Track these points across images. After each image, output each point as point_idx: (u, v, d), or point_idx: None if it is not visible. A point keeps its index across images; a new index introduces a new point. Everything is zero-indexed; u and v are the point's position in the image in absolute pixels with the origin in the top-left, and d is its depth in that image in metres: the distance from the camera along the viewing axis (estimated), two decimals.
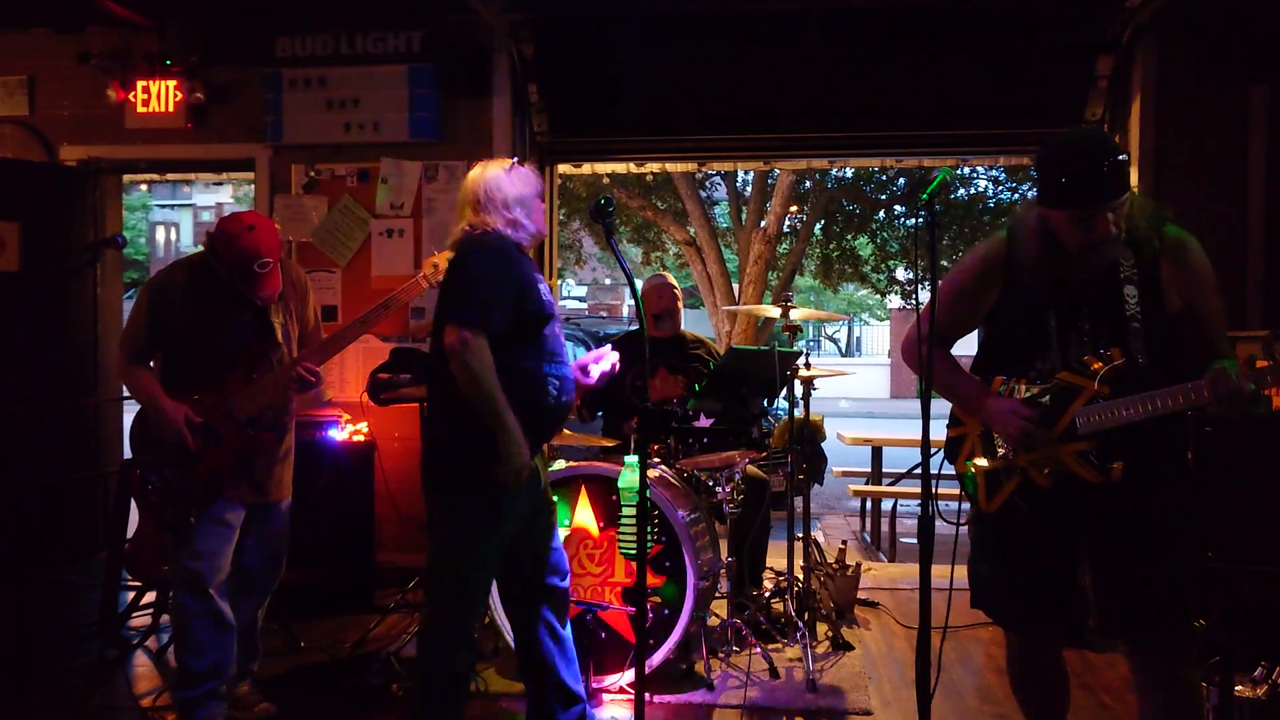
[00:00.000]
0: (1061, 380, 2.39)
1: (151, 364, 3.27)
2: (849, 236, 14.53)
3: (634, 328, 6.61)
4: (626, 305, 27.36)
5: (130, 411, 3.34)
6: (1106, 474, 2.33)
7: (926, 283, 2.53)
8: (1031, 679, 2.66)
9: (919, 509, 2.40)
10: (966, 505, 2.65)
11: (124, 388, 3.30)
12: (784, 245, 14.10)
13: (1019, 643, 2.65)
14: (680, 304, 4.79)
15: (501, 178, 2.87)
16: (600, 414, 4.74)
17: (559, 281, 6.11)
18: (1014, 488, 2.48)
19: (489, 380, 2.64)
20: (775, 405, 5.00)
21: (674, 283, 4.84)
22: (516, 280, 2.75)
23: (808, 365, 4.32)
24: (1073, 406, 2.37)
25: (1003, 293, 2.48)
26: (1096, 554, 2.48)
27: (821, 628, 4.31)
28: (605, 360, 3.02)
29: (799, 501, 4.42)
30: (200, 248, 3.34)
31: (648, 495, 2.56)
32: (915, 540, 2.40)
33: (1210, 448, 3.34)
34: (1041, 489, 2.43)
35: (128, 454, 3.50)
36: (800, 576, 4.35)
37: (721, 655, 3.93)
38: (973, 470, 2.54)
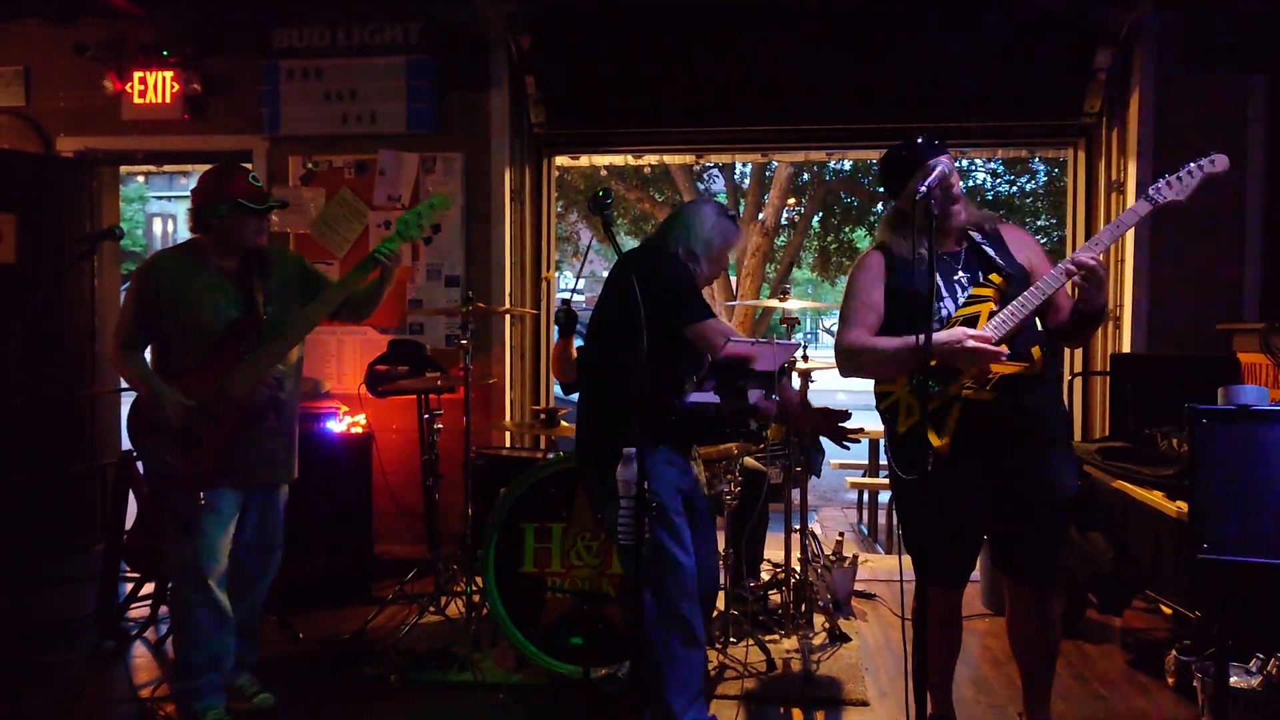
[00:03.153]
0: (959, 316, 2.79)
1: (147, 352, 3.27)
2: (847, 229, 14.52)
3: None
4: None
5: (128, 404, 3.34)
6: (1029, 360, 2.73)
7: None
8: (949, 628, 2.99)
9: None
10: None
11: (120, 379, 3.30)
12: (782, 238, 14.10)
13: (946, 598, 2.96)
14: None
15: (710, 220, 3.19)
16: None
17: (555, 274, 6.07)
18: (956, 416, 2.75)
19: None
20: (773, 397, 4.99)
21: None
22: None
23: (805, 358, 4.32)
24: (978, 327, 2.74)
25: (889, 280, 2.92)
26: (998, 504, 2.86)
27: (818, 619, 4.32)
28: None
29: (796, 493, 4.42)
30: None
31: (645, 488, 2.56)
32: None
33: (1205, 438, 3.34)
34: (982, 406, 2.73)
35: (125, 445, 3.50)
36: (797, 568, 4.36)
37: (718, 647, 3.94)
38: (897, 397, 2.88)
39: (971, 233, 2.91)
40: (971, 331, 2.71)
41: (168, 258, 3.32)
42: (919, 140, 2.89)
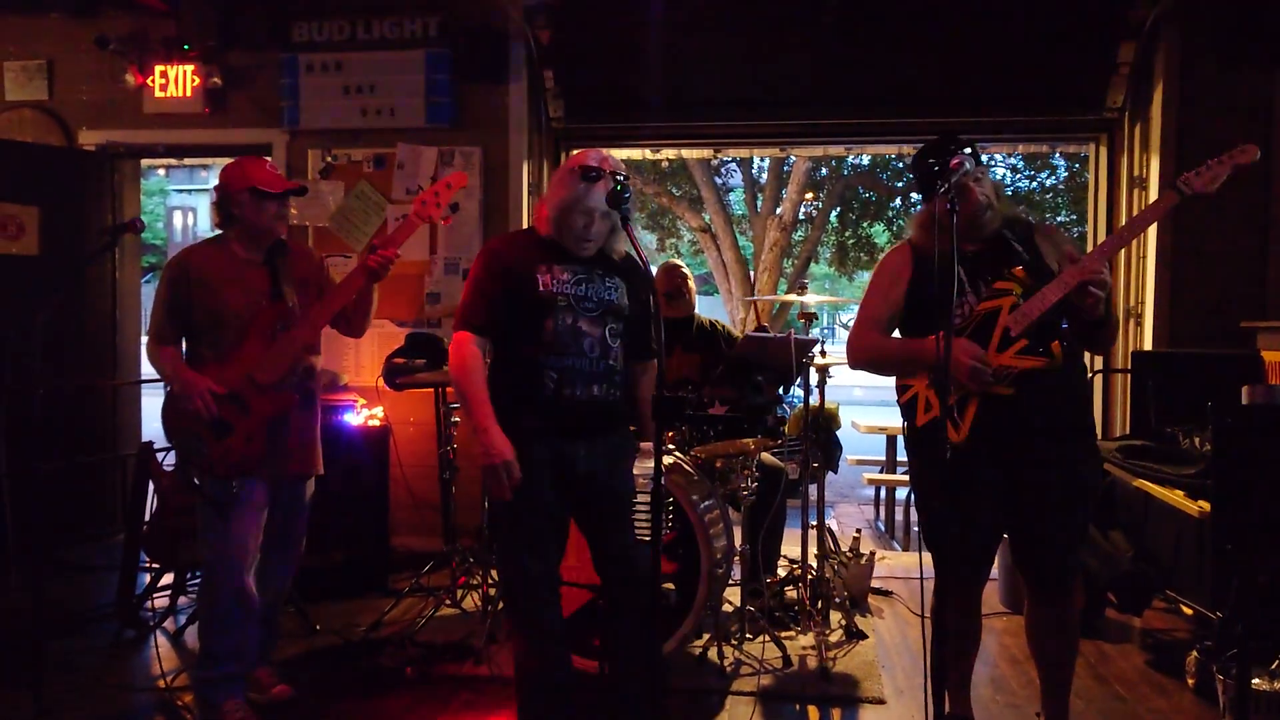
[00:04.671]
0: (982, 310, 2.77)
1: (182, 346, 3.31)
2: (865, 224, 14.46)
3: None
4: None
5: (148, 395, 3.37)
6: (1050, 355, 2.68)
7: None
8: (967, 626, 2.94)
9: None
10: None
11: (142, 372, 3.33)
12: (799, 232, 14.05)
13: (965, 595, 2.92)
14: (690, 284, 4.83)
15: (555, 176, 2.93)
16: None
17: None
18: (975, 410, 2.74)
19: (457, 376, 2.81)
20: (790, 393, 4.99)
21: (682, 265, 4.91)
22: (504, 275, 2.82)
23: (823, 353, 4.31)
24: (1000, 321, 2.73)
25: (912, 277, 2.92)
26: (1016, 502, 2.82)
27: (835, 616, 4.30)
28: None
29: (813, 489, 4.41)
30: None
31: (662, 482, 2.55)
32: None
33: (1230, 437, 3.31)
34: (1002, 400, 2.71)
35: (146, 437, 3.52)
36: (814, 564, 4.35)
37: (735, 643, 3.93)
38: (917, 391, 2.87)
39: (1004, 233, 2.88)
40: (972, 355, 2.69)
41: (196, 252, 3.38)
42: (940, 143, 2.85)
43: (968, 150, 2.81)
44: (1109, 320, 2.78)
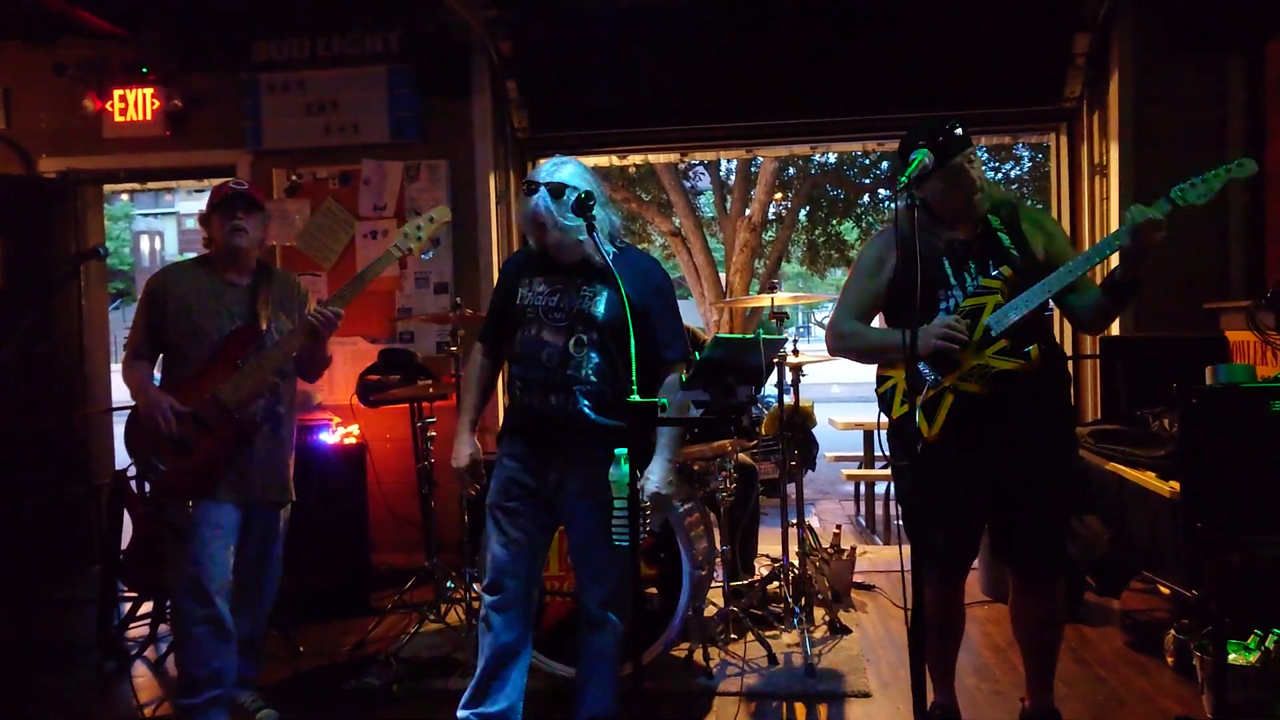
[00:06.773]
0: (965, 306, 2.78)
1: (158, 364, 3.33)
2: (834, 221, 14.56)
3: None
4: None
5: (120, 423, 3.35)
6: (1026, 358, 2.71)
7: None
8: (950, 616, 2.98)
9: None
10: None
11: (112, 399, 3.31)
12: (769, 232, 14.12)
13: (947, 586, 2.95)
14: None
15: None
16: None
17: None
18: (949, 408, 2.76)
19: (461, 384, 3.11)
20: (763, 393, 5.01)
21: None
22: (502, 288, 3.07)
23: (796, 352, 4.33)
24: (982, 318, 2.75)
25: (897, 266, 2.85)
26: (997, 493, 2.85)
27: (818, 612, 4.33)
28: None
29: (792, 488, 4.43)
30: (187, 256, 3.38)
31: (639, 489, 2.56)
32: None
33: (1195, 417, 3.35)
34: (976, 398, 2.74)
35: (118, 465, 3.49)
36: (796, 562, 4.37)
37: (719, 643, 3.95)
38: (895, 382, 2.87)
39: (990, 217, 2.87)
40: (945, 324, 2.73)
41: (177, 269, 3.42)
42: (920, 127, 2.79)
43: (959, 131, 2.74)
44: (1136, 290, 2.71)
